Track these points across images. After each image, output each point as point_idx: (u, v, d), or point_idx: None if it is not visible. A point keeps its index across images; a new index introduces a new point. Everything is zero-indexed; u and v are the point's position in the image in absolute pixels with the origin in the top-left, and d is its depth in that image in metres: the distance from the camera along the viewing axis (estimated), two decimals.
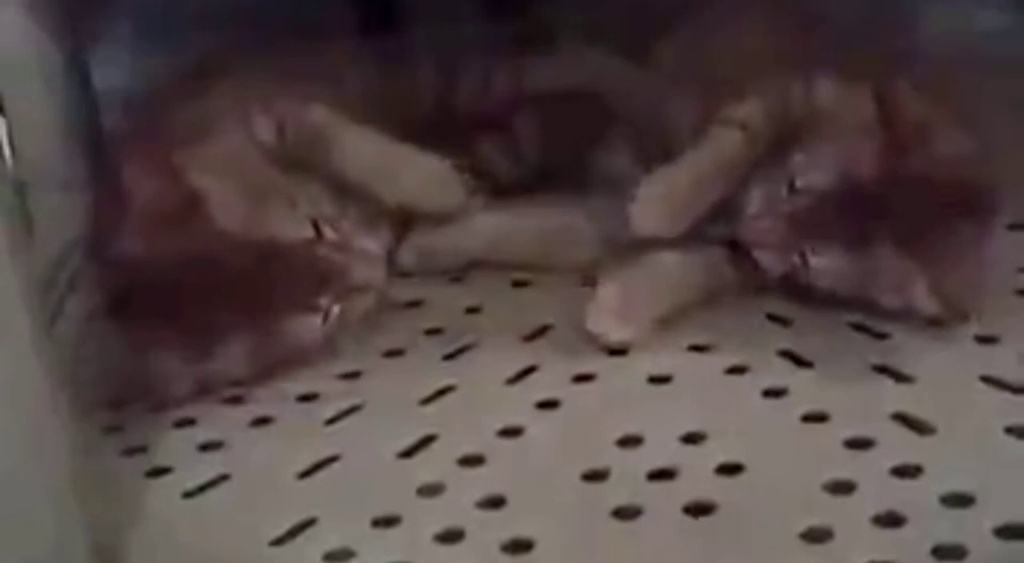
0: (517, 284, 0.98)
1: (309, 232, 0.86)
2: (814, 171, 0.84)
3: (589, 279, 0.95)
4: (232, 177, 0.88)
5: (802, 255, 0.85)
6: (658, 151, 1.00)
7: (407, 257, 0.99)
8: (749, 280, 0.91)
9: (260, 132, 0.93)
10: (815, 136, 0.86)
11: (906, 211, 0.82)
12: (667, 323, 0.89)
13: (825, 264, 0.85)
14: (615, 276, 0.90)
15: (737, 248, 0.91)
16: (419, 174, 0.97)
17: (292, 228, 0.86)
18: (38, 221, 0.99)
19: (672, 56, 1.06)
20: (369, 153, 0.96)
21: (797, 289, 0.88)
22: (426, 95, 1.08)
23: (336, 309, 0.86)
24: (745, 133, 0.89)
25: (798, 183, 0.85)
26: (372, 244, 0.91)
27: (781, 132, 0.88)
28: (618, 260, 0.92)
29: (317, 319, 0.86)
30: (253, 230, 0.85)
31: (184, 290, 0.82)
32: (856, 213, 0.83)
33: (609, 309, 0.88)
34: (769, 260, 0.87)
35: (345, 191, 0.93)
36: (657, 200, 0.89)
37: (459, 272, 1.00)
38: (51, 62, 1.09)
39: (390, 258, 0.97)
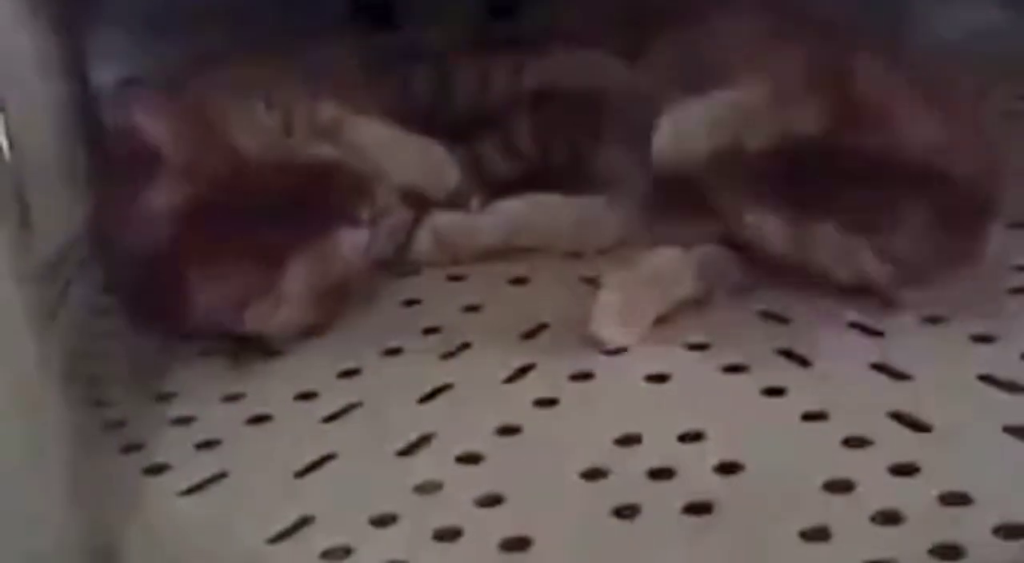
0: (515, 282, 0.98)
1: (332, 153, 0.88)
2: (756, 132, 0.85)
3: (587, 277, 0.96)
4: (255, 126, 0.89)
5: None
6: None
7: (424, 242, 1.00)
8: (746, 276, 0.91)
9: (265, 125, 0.94)
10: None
11: (855, 192, 0.82)
12: (666, 321, 0.89)
13: (765, 225, 0.85)
14: (615, 279, 0.90)
15: (733, 245, 0.91)
16: (417, 159, 0.99)
17: (320, 149, 0.88)
18: (38, 218, 0.99)
19: (667, 55, 1.06)
20: (373, 144, 0.97)
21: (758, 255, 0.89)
22: (424, 94, 1.08)
23: (371, 229, 0.88)
24: (773, 87, 0.89)
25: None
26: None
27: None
28: (616, 262, 0.93)
29: (360, 234, 0.87)
30: (285, 153, 0.87)
31: (232, 226, 0.83)
32: (802, 177, 0.83)
33: (612, 313, 0.88)
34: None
35: None
36: (678, 133, 0.89)
37: (465, 267, 1.00)
38: (49, 57, 1.09)
39: (406, 243, 0.99)
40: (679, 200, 0.94)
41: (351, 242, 0.87)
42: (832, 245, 0.83)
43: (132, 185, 0.87)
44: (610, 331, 0.87)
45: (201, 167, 0.84)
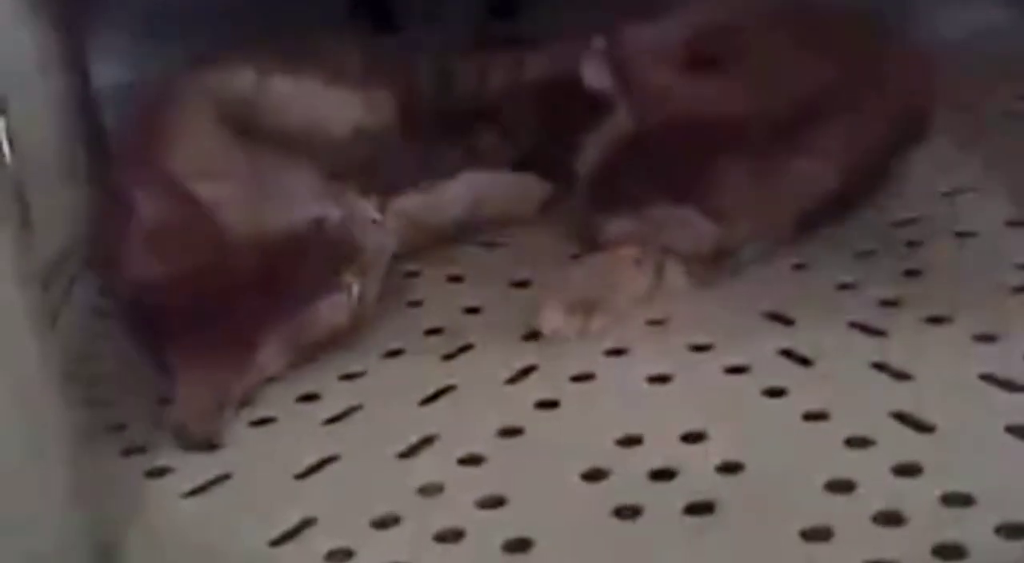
0: (516, 284, 0.98)
1: (314, 211, 0.86)
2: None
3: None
4: (225, 172, 0.88)
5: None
6: None
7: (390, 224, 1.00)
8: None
9: (201, 110, 0.93)
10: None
11: (669, 160, 0.83)
12: (665, 322, 0.89)
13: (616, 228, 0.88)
14: (564, 275, 0.92)
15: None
16: (351, 106, 0.99)
17: (298, 212, 0.86)
18: (38, 218, 0.99)
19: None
20: (303, 99, 0.97)
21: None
22: (424, 90, 1.08)
23: (357, 284, 0.87)
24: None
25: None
26: (372, 210, 0.91)
27: None
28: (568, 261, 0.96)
29: (342, 297, 0.86)
30: (261, 224, 0.84)
31: (210, 304, 0.81)
32: (629, 176, 0.85)
33: (557, 306, 0.89)
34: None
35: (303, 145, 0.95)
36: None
37: (465, 268, 1.01)
38: (50, 58, 1.09)
39: None
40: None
41: (332, 308, 0.86)
42: (670, 221, 0.85)
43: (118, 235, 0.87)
44: (553, 323, 0.88)
45: (176, 243, 0.83)
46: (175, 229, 0.83)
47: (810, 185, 0.91)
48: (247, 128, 0.93)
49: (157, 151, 0.90)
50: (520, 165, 1.08)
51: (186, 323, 0.82)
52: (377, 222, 0.90)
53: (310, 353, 0.87)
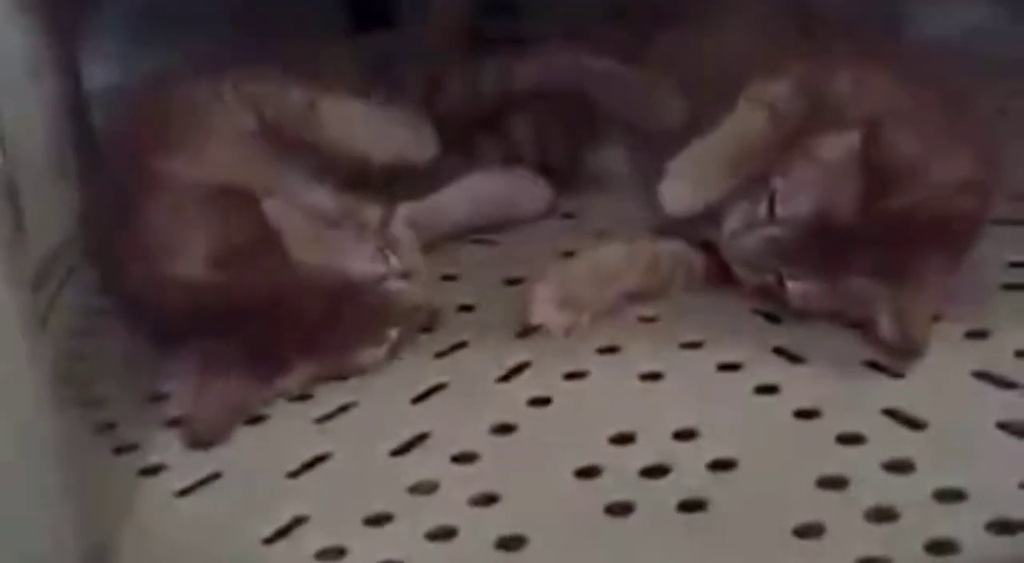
0: (509, 282, 0.98)
1: (380, 267, 0.86)
2: (793, 201, 0.84)
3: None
4: (266, 189, 0.88)
5: (779, 276, 0.86)
6: (648, 148, 1.02)
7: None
8: (714, 280, 0.92)
9: (240, 120, 0.93)
10: (799, 161, 0.86)
11: (881, 246, 0.82)
12: (654, 320, 0.89)
13: (800, 288, 0.85)
14: (554, 269, 0.91)
15: (710, 249, 0.92)
16: (396, 130, 0.99)
17: (362, 262, 0.86)
18: (29, 218, 0.99)
19: (667, 55, 1.07)
20: (349, 121, 0.97)
21: (771, 298, 0.88)
22: (415, 94, 1.08)
23: (396, 334, 0.87)
24: (772, 112, 0.90)
25: (778, 210, 0.85)
26: (417, 257, 0.91)
27: (810, 114, 0.89)
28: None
29: (381, 350, 0.86)
30: (326, 263, 0.84)
31: (254, 321, 0.81)
32: (832, 245, 0.83)
33: (547, 300, 0.89)
34: (745, 273, 0.88)
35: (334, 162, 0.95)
36: (687, 179, 0.90)
37: (458, 266, 1.01)
38: (42, 60, 1.08)
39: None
40: None
41: (369, 357, 0.86)
42: (859, 299, 0.83)
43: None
44: (543, 317, 0.88)
45: (239, 256, 0.83)
46: (243, 245, 0.83)
47: None
48: (293, 144, 0.94)
49: (184, 154, 0.90)
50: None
51: (228, 329, 0.81)
52: (423, 274, 0.90)
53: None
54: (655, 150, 0.96)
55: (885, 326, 0.82)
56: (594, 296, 0.90)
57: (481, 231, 1.05)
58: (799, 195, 0.84)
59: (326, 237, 0.86)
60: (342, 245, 0.86)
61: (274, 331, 0.82)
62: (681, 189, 0.89)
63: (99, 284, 0.96)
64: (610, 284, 0.91)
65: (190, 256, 0.83)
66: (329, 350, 0.85)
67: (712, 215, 0.89)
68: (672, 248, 0.94)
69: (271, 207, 0.85)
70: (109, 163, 0.98)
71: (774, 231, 0.85)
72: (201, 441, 0.80)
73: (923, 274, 0.82)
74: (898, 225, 0.82)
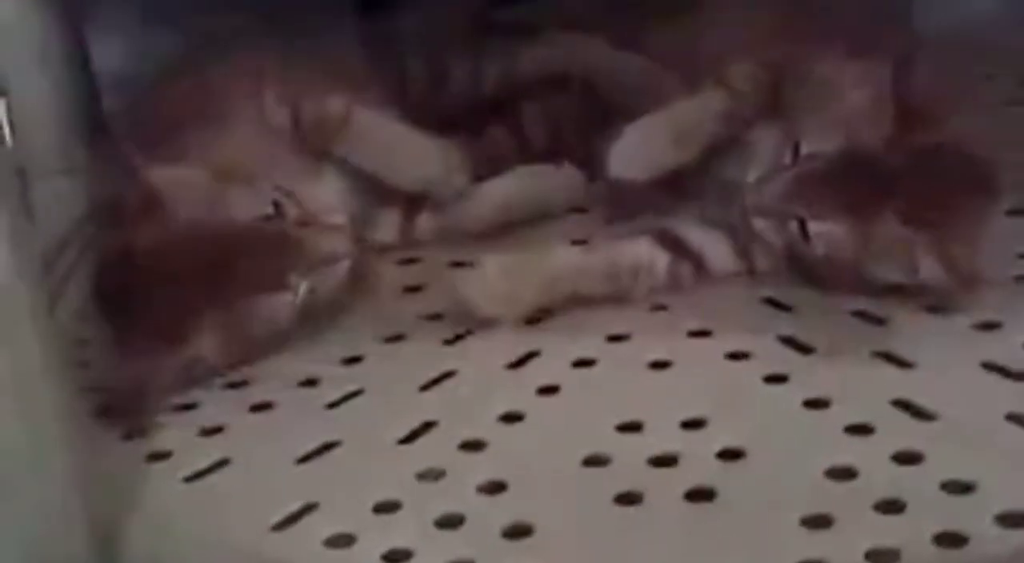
0: None
1: (268, 209, 0.86)
2: (820, 137, 0.84)
3: None
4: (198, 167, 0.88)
5: (801, 223, 0.85)
6: None
7: (425, 228, 1.02)
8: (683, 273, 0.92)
9: (274, 118, 0.94)
10: (822, 104, 0.85)
11: (912, 182, 0.81)
12: (664, 308, 0.89)
13: (825, 230, 0.84)
14: (498, 260, 0.90)
15: (735, 233, 0.92)
16: (426, 160, 0.98)
17: (252, 207, 0.86)
18: (38, 206, 0.99)
19: (669, 44, 1.07)
20: (382, 141, 0.97)
21: (794, 263, 0.88)
22: (419, 79, 1.08)
23: (304, 285, 0.86)
24: (730, 91, 0.91)
25: (803, 148, 0.84)
26: (337, 216, 0.91)
27: (774, 98, 0.90)
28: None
29: (287, 296, 0.86)
30: (214, 214, 0.85)
31: (152, 283, 0.82)
32: (861, 180, 0.82)
33: (487, 288, 0.88)
34: (768, 231, 0.88)
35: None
36: (636, 146, 0.90)
37: (466, 254, 1.00)
38: (50, 46, 1.08)
39: (406, 230, 1.01)
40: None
41: (273, 305, 0.86)
42: (890, 239, 0.83)
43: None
44: (482, 305, 0.88)
45: (129, 222, 0.83)
46: (129, 209, 0.83)
47: None
48: (321, 152, 0.96)
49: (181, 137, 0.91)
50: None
51: (126, 303, 0.82)
52: (337, 228, 0.90)
53: (250, 350, 0.87)
54: None
55: (928, 268, 0.81)
56: (536, 291, 0.89)
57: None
58: (826, 131, 0.84)
59: (216, 189, 0.87)
60: (234, 198, 0.87)
61: (165, 290, 0.82)
62: (631, 155, 0.89)
63: None
64: (560, 287, 0.90)
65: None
66: (230, 299, 0.84)
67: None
68: (635, 254, 0.92)
69: (156, 175, 0.85)
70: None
71: (801, 169, 0.84)
72: (121, 422, 0.81)
73: (962, 213, 0.81)
74: (929, 163, 0.81)
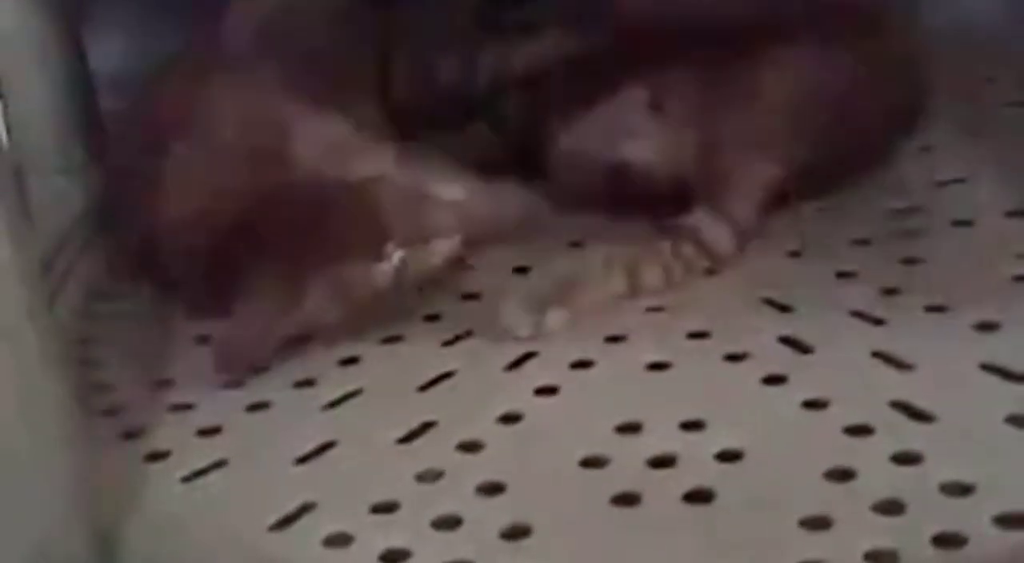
0: (516, 270, 0.97)
1: (384, 167, 0.86)
2: None
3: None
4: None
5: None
6: None
7: None
8: (693, 266, 0.92)
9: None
10: None
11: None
12: (664, 309, 0.89)
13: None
14: (533, 274, 0.91)
15: (678, 233, 0.93)
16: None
17: (358, 167, 0.87)
18: (36, 204, 0.99)
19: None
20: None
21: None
22: (412, 76, 1.08)
23: (399, 256, 0.86)
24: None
25: None
26: (449, 190, 0.90)
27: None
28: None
29: (386, 265, 0.86)
30: (319, 174, 0.86)
31: (260, 243, 0.83)
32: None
33: (521, 304, 0.88)
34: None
35: None
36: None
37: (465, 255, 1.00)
38: (48, 45, 1.08)
39: None
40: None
41: (377, 272, 0.86)
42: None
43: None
44: (517, 322, 0.87)
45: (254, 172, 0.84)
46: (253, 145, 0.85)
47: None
48: None
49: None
50: (519, 158, 1.08)
51: (237, 261, 0.83)
52: (448, 203, 0.89)
53: (356, 317, 0.87)
54: None
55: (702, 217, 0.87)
56: (571, 299, 0.89)
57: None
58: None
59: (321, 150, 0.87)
60: (335, 155, 0.87)
61: (279, 246, 0.83)
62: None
63: (117, 252, 0.97)
64: (590, 287, 0.90)
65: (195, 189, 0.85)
66: (336, 259, 0.85)
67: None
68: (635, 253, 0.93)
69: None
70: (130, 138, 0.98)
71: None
72: (231, 367, 0.83)
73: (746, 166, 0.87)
74: None
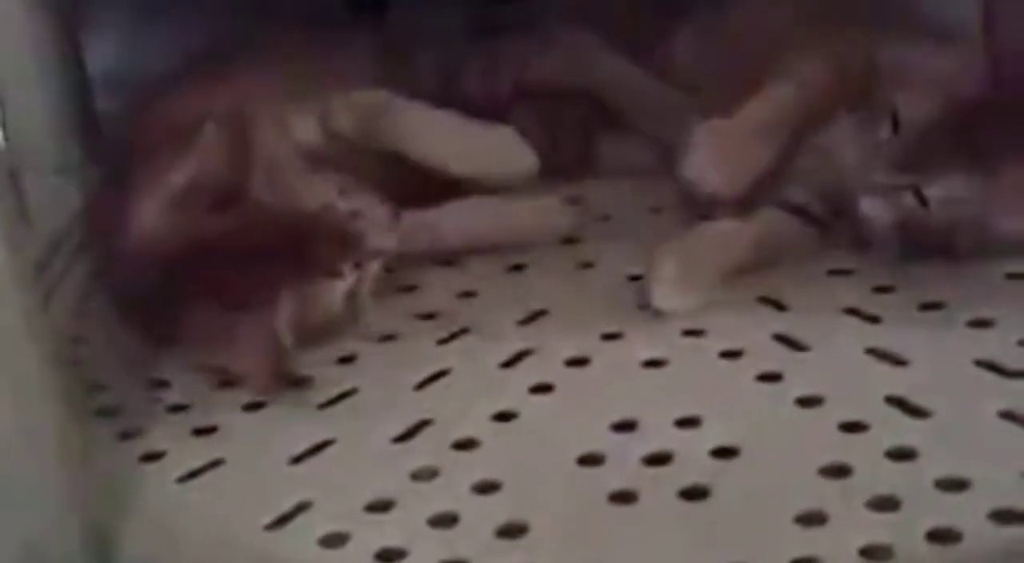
0: (511, 268, 0.97)
1: (328, 198, 0.86)
2: (915, 104, 0.84)
3: (584, 263, 0.96)
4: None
5: (917, 192, 0.84)
6: (654, 143, 1.04)
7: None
8: (814, 240, 0.92)
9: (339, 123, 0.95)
10: (904, 79, 0.86)
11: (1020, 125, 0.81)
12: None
13: (944, 193, 0.83)
14: (668, 249, 0.89)
15: (799, 211, 0.92)
16: (490, 143, 0.97)
17: (312, 197, 0.86)
18: (32, 205, 0.99)
19: (686, 46, 1.07)
20: (437, 129, 0.96)
21: (909, 237, 0.87)
22: (427, 85, 1.08)
23: (353, 275, 0.86)
24: (801, 90, 0.91)
25: (903, 118, 0.84)
26: (383, 212, 0.90)
27: (842, 92, 0.90)
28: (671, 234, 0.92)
29: (341, 284, 0.86)
30: (283, 200, 0.85)
31: (224, 264, 0.82)
32: (968, 133, 0.82)
33: (668, 282, 0.87)
34: (879, 208, 0.86)
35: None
36: (714, 153, 0.89)
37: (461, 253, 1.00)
38: (45, 45, 1.08)
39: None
40: None
41: (330, 292, 0.86)
42: (1013, 186, 0.82)
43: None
44: (667, 300, 0.87)
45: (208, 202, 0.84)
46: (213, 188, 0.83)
47: None
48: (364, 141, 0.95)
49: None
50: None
51: (206, 279, 0.82)
52: (384, 225, 0.89)
53: (308, 337, 0.86)
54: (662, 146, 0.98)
55: None
56: (710, 276, 0.89)
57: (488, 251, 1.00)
58: (920, 97, 0.84)
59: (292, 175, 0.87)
60: (297, 183, 0.87)
61: (250, 268, 0.82)
62: (709, 164, 0.88)
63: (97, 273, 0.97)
64: (725, 263, 0.90)
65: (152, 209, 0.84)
66: (297, 280, 0.84)
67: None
68: (778, 220, 0.93)
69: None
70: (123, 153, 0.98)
71: (904, 140, 0.84)
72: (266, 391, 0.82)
73: None
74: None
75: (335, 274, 0.86)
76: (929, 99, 0.84)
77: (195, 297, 0.82)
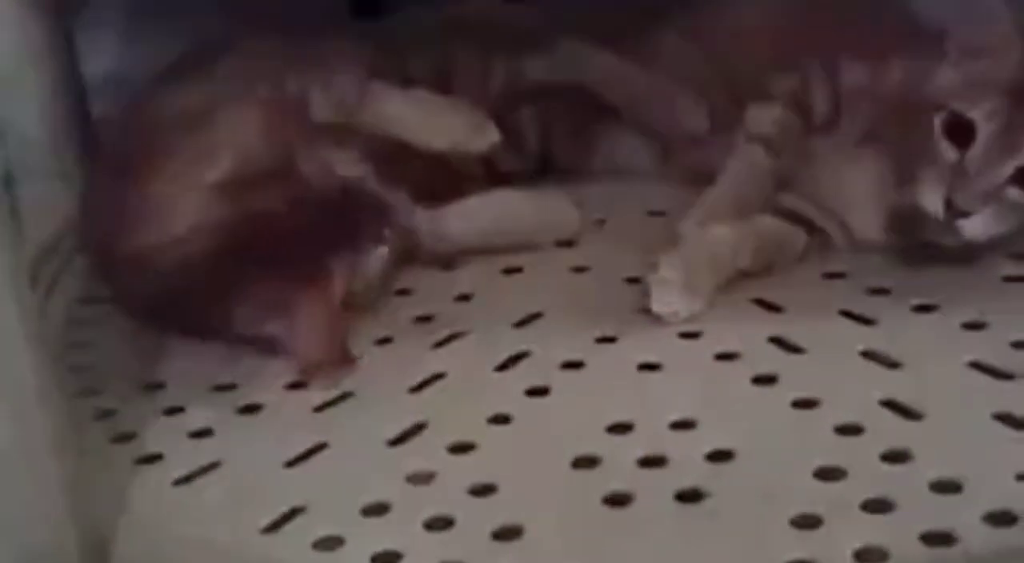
0: (507, 271, 0.98)
1: (359, 171, 0.89)
2: (974, 104, 0.86)
3: (579, 267, 0.96)
4: None
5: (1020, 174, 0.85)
6: (653, 143, 1.05)
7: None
8: (810, 244, 0.94)
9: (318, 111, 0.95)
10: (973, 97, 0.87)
11: None
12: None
13: None
14: (671, 256, 0.89)
15: (794, 217, 0.94)
16: (458, 119, 0.97)
17: (346, 171, 0.89)
18: (26, 209, 0.98)
19: (675, 42, 1.07)
20: (408, 105, 0.97)
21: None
22: (420, 86, 1.08)
23: (388, 246, 0.89)
24: (769, 147, 0.94)
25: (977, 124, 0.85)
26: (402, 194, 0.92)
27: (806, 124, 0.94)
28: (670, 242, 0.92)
29: (384, 250, 0.88)
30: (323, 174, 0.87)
31: (279, 239, 0.84)
32: None
33: (670, 289, 0.87)
34: (980, 227, 0.86)
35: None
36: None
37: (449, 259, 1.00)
38: (40, 49, 1.08)
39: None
40: None
41: (375, 259, 0.87)
42: None
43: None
44: (669, 306, 0.87)
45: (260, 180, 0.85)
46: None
47: None
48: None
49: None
50: (535, 169, 1.08)
51: (270, 258, 0.84)
52: (407, 204, 0.92)
53: (346, 306, 0.88)
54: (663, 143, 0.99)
55: None
56: (712, 281, 0.89)
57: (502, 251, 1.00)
58: (976, 98, 0.86)
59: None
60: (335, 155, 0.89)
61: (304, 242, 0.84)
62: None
63: (95, 273, 0.97)
64: (726, 267, 0.90)
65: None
66: (346, 248, 0.86)
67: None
68: (774, 226, 0.93)
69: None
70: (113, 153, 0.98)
71: (987, 141, 0.85)
72: (328, 374, 0.84)
73: None
74: None
75: (380, 240, 0.87)
76: (984, 96, 0.85)
77: (251, 274, 0.84)
